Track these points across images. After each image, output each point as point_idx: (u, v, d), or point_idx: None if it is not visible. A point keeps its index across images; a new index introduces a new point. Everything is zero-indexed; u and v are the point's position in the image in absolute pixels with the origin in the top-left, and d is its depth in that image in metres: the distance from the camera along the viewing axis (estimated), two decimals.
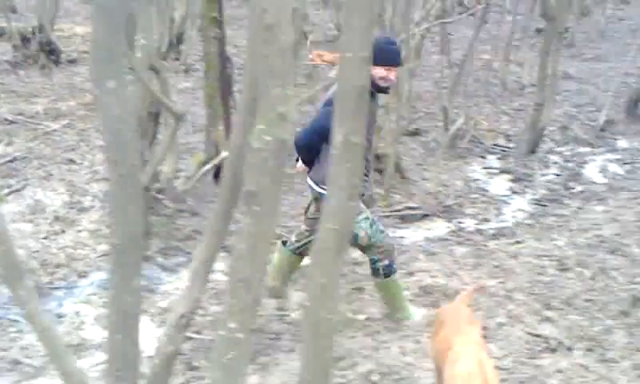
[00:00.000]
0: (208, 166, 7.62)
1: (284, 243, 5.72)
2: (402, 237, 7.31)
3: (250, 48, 2.54)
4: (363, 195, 5.13)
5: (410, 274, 6.25)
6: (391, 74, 5.11)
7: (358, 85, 1.94)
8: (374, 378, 4.54)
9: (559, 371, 4.52)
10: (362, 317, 5.44)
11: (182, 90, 11.56)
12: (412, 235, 7.38)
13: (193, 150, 9.20)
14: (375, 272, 5.29)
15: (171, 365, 4.20)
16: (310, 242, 5.20)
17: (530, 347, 4.85)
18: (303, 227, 5.60)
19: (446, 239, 7.24)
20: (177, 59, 13.18)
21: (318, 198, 5.21)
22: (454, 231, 7.50)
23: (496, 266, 6.34)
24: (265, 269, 2.42)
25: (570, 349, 4.80)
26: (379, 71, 4.96)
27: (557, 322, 5.18)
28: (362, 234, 5.08)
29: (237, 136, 3.24)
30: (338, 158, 1.84)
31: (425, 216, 7.91)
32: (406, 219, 7.81)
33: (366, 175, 5.10)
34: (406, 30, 8.48)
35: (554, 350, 4.79)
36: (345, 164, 1.83)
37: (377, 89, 5.07)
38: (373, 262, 5.25)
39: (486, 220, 7.92)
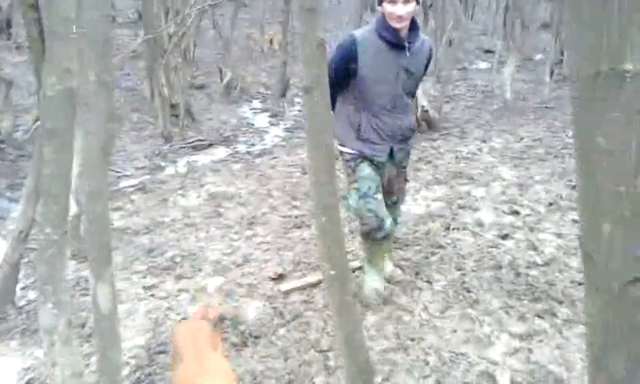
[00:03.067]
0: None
1: None
2: (195, 160, 7.21)
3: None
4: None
5: (202, 185, 6.19)
6: (397, 9, 3.16)
7: (100, 38, 1.83)
8: (177, 259, 4.50)
9: (303, 239, 4.72)
10: (167, 219, 5.34)
11: (16, 64, 10.45)
12: (201, 159, 7.29)
13: (29, 110, 8.47)
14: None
15: (17, 268, 3.93)
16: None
17: (284, 226, 5.01)
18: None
19: (226, 159, 7.23)
20: (8, 39, 11.86)
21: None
22: (231, 154, 7.51)
23: (260, 175, 6.44)
24: (68, 184, 2.28)
25: (308, 225, 4.99)
26: (385, 7, 3.20)
27: (300, 207, 5.37)
28: (350, 201, 3.58)
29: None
30: (93, 93, 1.77)
31: (210, 145, 7.85)
32: (196, 148, 7.71)
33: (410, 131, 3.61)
34: (183, 12, 8.13)
35: (299, 227, 4.98)
36: (100, 97, 1.75)
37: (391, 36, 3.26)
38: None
39: (253, 144, 7.99)
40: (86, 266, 4.48)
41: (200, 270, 4.32)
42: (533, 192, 5.49)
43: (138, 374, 3.16)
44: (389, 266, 4.00)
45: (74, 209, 4.38)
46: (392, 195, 3.81)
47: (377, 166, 3.56)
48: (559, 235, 4.56)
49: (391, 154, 3.57)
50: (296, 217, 5.14)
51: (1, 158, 6.74)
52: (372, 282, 3.73)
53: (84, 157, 2.09)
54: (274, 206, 5.48)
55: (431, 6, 10.47)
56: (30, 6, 7.69)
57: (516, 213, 5.02)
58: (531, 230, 4.68)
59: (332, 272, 1.44)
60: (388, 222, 3.60)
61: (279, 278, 4.08)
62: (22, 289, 4.14)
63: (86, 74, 1.93)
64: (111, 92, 1.75)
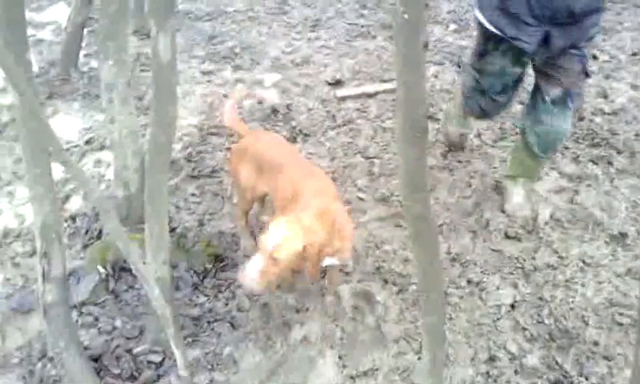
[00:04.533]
0: None
1: None
2: None
3: None
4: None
5: None
6: None
7: None
8: (237, 50, 4.51)
9: (366, 49, 4.60)
10: (231, 9, 5.26)
11: None
12: None
13: None
14: None
15: (81, 32, 3.99)
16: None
17: (349, 33, 4.87)
18: None
19: None
20: None
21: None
22: None
23: None
24: None
25: (374, 36, 4.85)
26: None
27: (368, 17, 5.18)
28: (465, 77, 3.04)
29: None
30: None
31: None
32: None
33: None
34: None
35: (365, 36, 4.84)
36: None
37: None
38: None
39: None
40: (148, 42, 4.56)
41: (259, 64, 4.34)
42: (617, 38, 5.14)
43: (189, 150, 3.32)
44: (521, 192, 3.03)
45: None
46: (554, 87, 2.67)
47: (520, 54, 2.63)
48: (634, 87, 4.33)
49: (546, 41, 2.51)
50: (362, 26, 4.99)
51: None
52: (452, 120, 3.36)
53: None
54: (342, 11, 5.31)
55: None
56: None
57: (594, 57, 4.75)
58: (606, 77, 4.45)
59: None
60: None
61: (336, 83, 4.06)
62: (86, 56, 4.26)
63: None
64: None
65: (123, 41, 2.39)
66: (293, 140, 3.43)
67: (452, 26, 4.99)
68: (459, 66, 4.36)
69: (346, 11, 5.30)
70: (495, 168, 3.31)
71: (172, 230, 2.62)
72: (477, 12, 2.65)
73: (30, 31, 3.89)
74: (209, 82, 4.08)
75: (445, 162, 3.32)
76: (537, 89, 2.77)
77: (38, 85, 3.76)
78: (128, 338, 2.29)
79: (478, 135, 3.58)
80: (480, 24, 2.66)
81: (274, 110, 3.68)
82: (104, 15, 2.31)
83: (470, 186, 3.13)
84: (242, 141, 2.58)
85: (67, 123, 3.62)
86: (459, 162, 3.32)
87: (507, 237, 2.85)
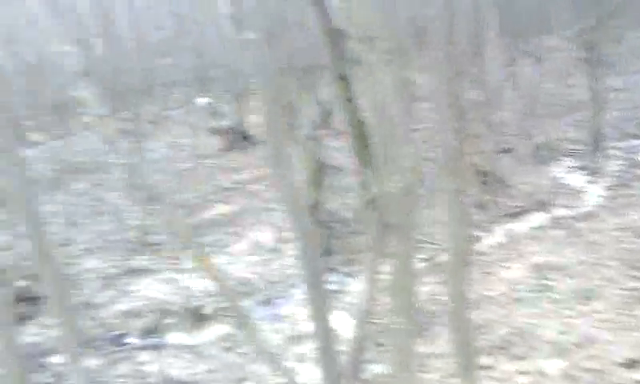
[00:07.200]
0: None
1: None
2: (511, 228, 7.05)
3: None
4: None
5: (522, 255, 6.00)
6: None
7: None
8: (509, 337, 4.38)
9: None
10: (493, 293, 5.26)
11: (337, 148, 11.67)
12: (518, 226, 7.08)
13: (349, 189, 9.31)
14: None
15: (364, 344, 4.23)
16: None
17: (626, 301, 4.53)
18: None
19: (544, 225, 6.90)
20: (330, 127, 13.31)
21: None
22: (548, 219, 7.14)
23: (586, 241, 5.97)
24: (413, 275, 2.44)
25: None
26: None
27: None
28: None
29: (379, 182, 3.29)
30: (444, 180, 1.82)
31: (525, 210, 7.60)
32: (511, 215, 7.53)
33: None
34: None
35: None
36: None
37: None
38: None
39: (572, 207, 7.49)
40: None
41: (536, 350, 4.13)
42: None
43: None
44: None
45: None
46: None
47: None
48: None
49: None
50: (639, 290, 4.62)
51: (333, 236, 7.49)
52: None
53: None
54: (610, 277, 5.00)
55: None
56: (348, 99, 8.68)
57: None
58: None
59: None
60: None
61: (631, 364, 3.67)
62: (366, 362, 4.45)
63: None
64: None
65: (412, 369, 2.47)
66: None
67: None
68: None
69: (615, 276, 4.98)
70: None
71: None
72: None
73: None
74: (489, 377, 3.95)
75: None
76: None
77: None
78: None
79: None
80: None
81: None
82: (393, 345, 2.45)
83: None
84: None
85: None
86: None
87: None
